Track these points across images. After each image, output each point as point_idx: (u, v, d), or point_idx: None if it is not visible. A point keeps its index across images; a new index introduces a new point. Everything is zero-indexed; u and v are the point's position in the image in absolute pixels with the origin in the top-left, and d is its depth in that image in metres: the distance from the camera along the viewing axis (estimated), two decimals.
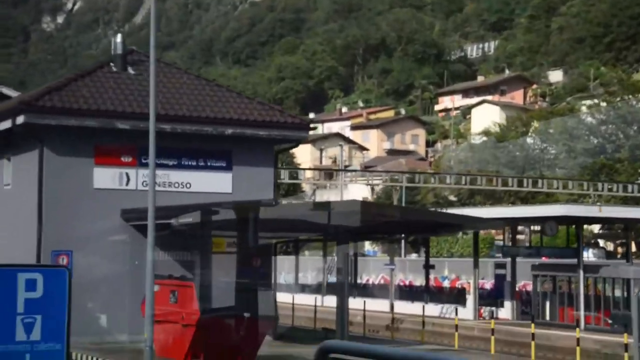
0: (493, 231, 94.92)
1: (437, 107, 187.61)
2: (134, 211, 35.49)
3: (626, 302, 48.86)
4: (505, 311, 56.83)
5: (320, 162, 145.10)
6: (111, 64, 38.99)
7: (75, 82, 37.30)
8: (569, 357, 42.55)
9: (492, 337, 41.37)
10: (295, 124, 39.15)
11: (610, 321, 50.04)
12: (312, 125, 44.43)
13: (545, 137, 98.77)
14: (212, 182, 37.07)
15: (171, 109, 36.69)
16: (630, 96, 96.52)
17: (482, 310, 57.09)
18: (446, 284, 78.10)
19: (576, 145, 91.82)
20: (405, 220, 38.28)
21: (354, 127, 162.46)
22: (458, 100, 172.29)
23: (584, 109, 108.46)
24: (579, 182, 79.11)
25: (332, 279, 70.71)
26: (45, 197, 35.04)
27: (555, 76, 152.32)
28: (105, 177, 36.09)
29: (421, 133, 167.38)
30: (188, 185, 36.59)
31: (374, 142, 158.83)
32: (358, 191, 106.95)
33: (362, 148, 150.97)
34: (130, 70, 38.46)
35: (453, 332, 47.73)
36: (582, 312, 50.94)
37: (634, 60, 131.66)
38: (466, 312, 56.10)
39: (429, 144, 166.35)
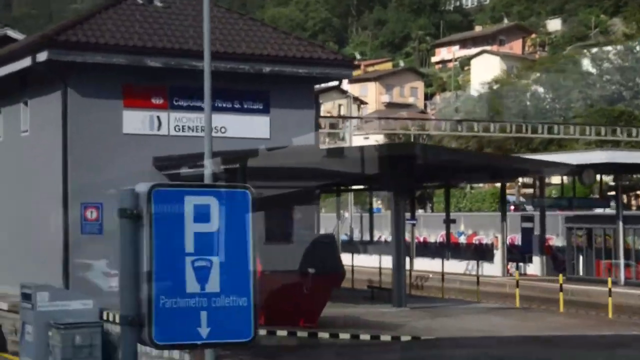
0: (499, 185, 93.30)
1: (434, 59, 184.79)
2: (168, 159, 33.22)
3: None
4: (534, 267, 55.80)
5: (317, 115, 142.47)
6: None
7: (99, 15, 34.58)
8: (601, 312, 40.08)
9: (561, 295, 38.83)
10: (337, 61, 36.61)
11: None
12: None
13: (558, 85, 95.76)
14: (249, 126, 34.52)
15: (209, 44, 33.71)
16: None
17: (509, 266, 55.35)
18: (462, 239, 76.15)
19: (593, 93, 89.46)
20: (470, 164, 35.71)
21: (352, 81, 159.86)
22: (456, 52, 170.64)
23: (585, 60, 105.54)
24: (597, 127, 76.18)
25: (343, 236, 68.95)
26: (70, 143, 32.49)
27: (554, 25, 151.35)
28: (135, 120, 33.54)
29: (420, 85, 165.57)
30: (223, 130, 33.80)
31: (372, 96, 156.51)
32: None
33: (362, 102, 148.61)
34: (157, 2, 35.62)
35: (487, 289, 47.09)
36: (621, 266, 49.32)
37: (634, 8, 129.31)
38: (493, 268, 54.82)
39: (427, 96, 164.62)
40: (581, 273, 49.08)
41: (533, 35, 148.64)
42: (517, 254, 58.53)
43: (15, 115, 37.24)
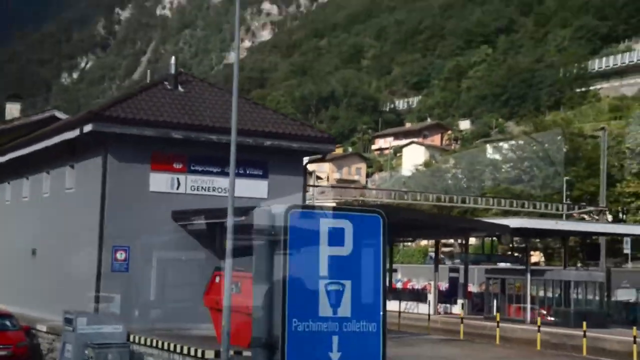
0: (424, 242, 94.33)
1: (374, 147, 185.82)
2: (183, 212, 32.02)
3: (566, 301, 48.12)
4: (457, 308, 54.27)
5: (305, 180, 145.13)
6: (165, 82, 35.68)
7: (135, 97, 34.09)
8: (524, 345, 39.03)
9: (497, 330, 37.61)
10: (323, 138, 36.54)
11: (552, 317, 47.49)
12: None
13: (472, 168, 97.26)
14: (251, 188, 33.15)
15: (217, 122, 33.11)
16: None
17: (439, 307, 54.90)
18: (399, 285, 75.04)
19: (499, 175, 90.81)
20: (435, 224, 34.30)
21: (311, 161, 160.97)
22: (390, 142, 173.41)
23: (490, 150, 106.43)
24: (503, 201, 76.14)
25: None
26: (107, 198, 31.36)
27: (465, 125, 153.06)
28: (159, 181, 32.38)
29: (363, 166, 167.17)
30: (227, 191, 32.56)
31: (327, 173, 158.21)
32: None
33: (318, 177, 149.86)
34: (180, 89, 35.06)
35: (424, 324, 47.13)
36: (528, 308, 48.89)
37: (523, 113, 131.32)
38: (425, 308, 54.78)
39: (369, 175, 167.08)
40: (492, 314, 48.02)
41: (449, 132, 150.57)
42: (446, 298, 57.37)
43: (61, 176, 36.33)
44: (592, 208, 61.41)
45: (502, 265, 59.74)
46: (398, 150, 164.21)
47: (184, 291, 31.89)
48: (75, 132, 32.03)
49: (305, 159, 36.51)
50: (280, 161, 33.79)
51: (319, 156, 37.47)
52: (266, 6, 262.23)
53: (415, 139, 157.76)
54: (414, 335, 36.00)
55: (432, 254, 76.25)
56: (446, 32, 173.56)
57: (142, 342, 25.98)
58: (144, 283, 31.40)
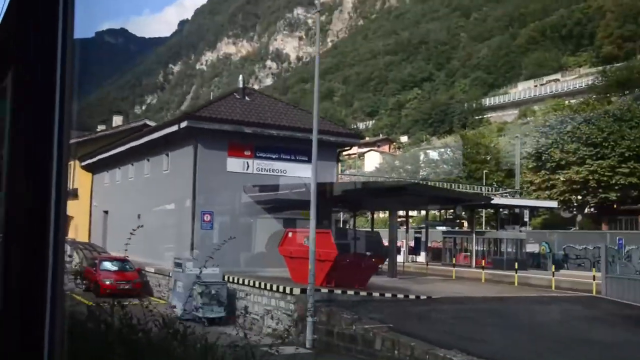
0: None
1: (344, 153, 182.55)
2: (251, 187, 29.28)
3: (499, 252, 44.22)
4: (421, 258, 50.53)
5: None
6: (235, 93, 32.72)
7: (215, 103, 31.39)
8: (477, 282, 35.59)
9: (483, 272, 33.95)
10: (351, 134, 33.68)
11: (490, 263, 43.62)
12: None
13: (411, 167, 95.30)
14: (299, 170, 29.56)
15: (275, 121, 30.43)
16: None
17: (409, 258, 51.71)
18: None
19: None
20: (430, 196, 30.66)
21: (342, 151, 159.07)
22: (356, 150, 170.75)
23: (421, 155, 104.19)
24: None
25: None
26: (197, 176, 28.48)
27: (404, 139, 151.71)
28: (234, 164, 29.44)
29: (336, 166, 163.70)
30: (284, 171, 29.43)
31: None
32: None
33: None
34: (247, 98, 32.02)
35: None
36: (473, 257, 44.83)
37: (442, 132, 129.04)
38: (400, 258, 51.68)
39: (342, 171, 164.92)
40: (449, 261, 45.00)
41: (394, 143, 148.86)
42: (413, 251, 53.89)
43: (159, 161, 33.24)
44: (510, 190, 58.27)
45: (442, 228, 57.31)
46: (361, 155, 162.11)
47: (251, 244, 28.69)
48: (174, 128, 29.03)
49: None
50: (321, 150, 30.13)
51: (347, 148, 34.08)
52: (268, 63, 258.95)
53: (372, 148, 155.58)
54: (414, 276, 32.05)
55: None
56: (389, 80, 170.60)
57: (235, 280, 22.37)
58: (223, 238, 27.91)
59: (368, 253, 19.72)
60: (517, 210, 52.63)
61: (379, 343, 15.13)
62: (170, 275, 24.36)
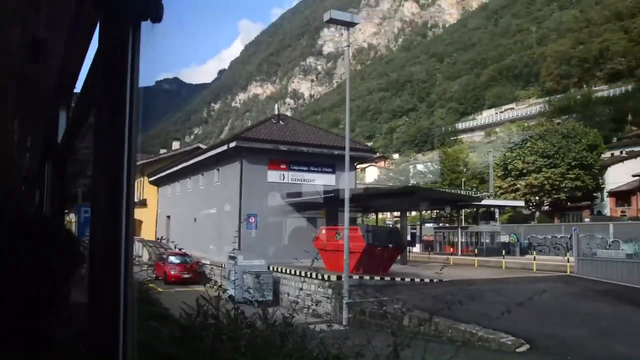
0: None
1: (359, 166, 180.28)
2: (288, 194, 27.75)
3: (479, 242, 42.13)
4: (416, 249, 48.48)
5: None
6: (272, 119, 31.15)
7: (256, 127, 29.96)
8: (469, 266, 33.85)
9: (476, 260, 32.36)
10: (368, 149, 31.91)
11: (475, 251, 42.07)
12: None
13: (403, 177, 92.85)
14: (325, 180, 28.33)
15: (305, 140, 28.71)
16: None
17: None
18: None
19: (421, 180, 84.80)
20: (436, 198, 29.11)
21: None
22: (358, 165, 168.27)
23: (411, 169, 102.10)
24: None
25: None
26: (243, 187, 26.98)
27: (396, 156, 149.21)
28: (273, 176, 27.83)
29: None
30: (313, 180, 27.89)
31: None
32: None
33: None
34: (281, 122, 30.53)
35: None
36: (459, 247, 42.90)
37: (425, 150, 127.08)
38: None
39: None
40: (439, 251, 43.12)
41: (388, 160, 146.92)
42: (410, 243, 52.36)
43: (211, 175, 31.66)
44: (485, 193, 56.60)
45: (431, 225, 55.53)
46: (362, 169, 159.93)
47: (289, 240, 27.18)
48: (224, 147, 27.48)
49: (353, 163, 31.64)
50: (341, 163, 28.58)
51: (365, 163, 32.40)
52: (287, 100, 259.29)
53: (371, 164, 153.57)
54: (419, 264, 30.39)
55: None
56: (383, 110, 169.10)
57: (279, 270, 20.92)
58: (266, 235, 26.47)
59: (390, 245, 18.27)
60: (491, 209, 51.02)
61: (406, 320, 13.76)
62: (225, 266, 23.06)
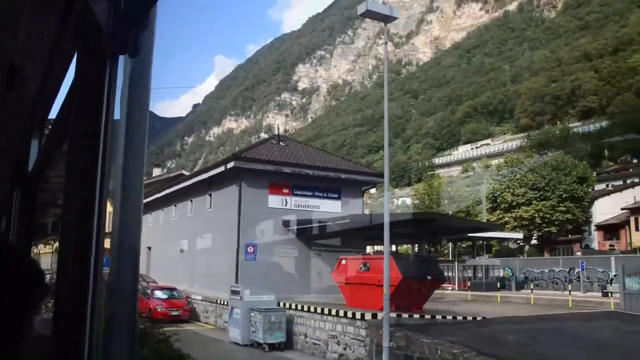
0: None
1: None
2: (289, 221, 24.50)
3: (476, 276, 40.14)
4: None
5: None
6: (272, 140, 28.03)
7: (256, 148, 26.66)
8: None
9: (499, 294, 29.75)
10: (375, 174, 28.01)
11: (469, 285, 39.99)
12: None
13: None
14: (330, 206, 25.37)
15: (309, 162, 25.52)
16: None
17: None
18: None
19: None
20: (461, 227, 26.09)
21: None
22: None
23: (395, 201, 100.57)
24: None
25: None
26: (242, 212, 23.42)
27: (373, 190, 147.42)
28: (274, 201, 24.45)
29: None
30: (318, 207, 24.93)
31: None
32: None
33: None
34: (282, 143, 27.40)
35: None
36: (456, 281, 40.92)
37: (403, 184, 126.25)
38: None
39: None
40: None
41: (367, 193, 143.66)
42: None
43: (202, 201, 28.14)
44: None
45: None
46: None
47: (293, 273, 24.03)
48: (221, 169, 24.18)
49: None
50: (347, 189, 25.81)
51: (369, 186, 29.23)
52: (262, 135, 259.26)
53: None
54: (436, 298, 27.89)
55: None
56: (358, 145, 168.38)
57: (292, 306, 17.71)
58: (267, 268, 23.37)
59: (429, 277, 15.53)
60: (482, 242, 48.86)
61: None
62: (226, 303, 19.74)
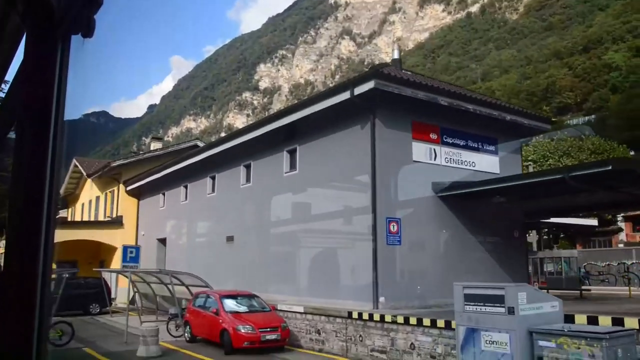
0: None
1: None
2: (441, 184, 14.75)
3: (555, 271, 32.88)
4: None
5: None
6: (390, 64, 17.26)
7: (390, 68, 15.58)
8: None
9: None
10: (542, 118, 18.38)
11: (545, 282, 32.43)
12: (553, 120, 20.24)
13: None
14: (487, 164, 15.95)
15: (473, 95, 16.46)
16: None
17: None
18: None
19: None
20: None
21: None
22: None
23: None
24: None
25: None
26: (377, 168, 13.76)
27: None
28: (419, 151, 14.73)
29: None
30: (473, 164, 15.32)
31: None
32: None
33: None
34: (404, 71, 16.99)
35: None
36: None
37: None
38: None
39: None
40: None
41: None
42: None
43: (274, 163, 17.99)
44: None
45: None
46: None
47: (460, 265, 14.59)
48: (345, 94, 13.97)
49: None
50: (504, 139, 16.44)
51: (528, 138, 19.94)
52: (222, 135, 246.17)
53: None
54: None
55: None
56: None
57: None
58: (411, 259, 13.95)
59: None
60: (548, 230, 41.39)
61: None
62: (391, 319, 10.11)
